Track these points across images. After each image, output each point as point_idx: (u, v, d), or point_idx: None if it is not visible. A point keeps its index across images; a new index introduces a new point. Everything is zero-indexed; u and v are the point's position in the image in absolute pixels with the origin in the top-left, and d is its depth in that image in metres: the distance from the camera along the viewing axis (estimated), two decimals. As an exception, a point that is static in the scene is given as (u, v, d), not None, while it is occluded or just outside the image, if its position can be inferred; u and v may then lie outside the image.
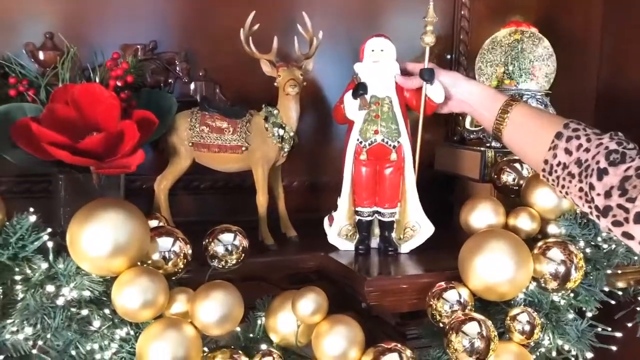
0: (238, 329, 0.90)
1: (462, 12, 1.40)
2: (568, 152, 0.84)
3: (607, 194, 0.77)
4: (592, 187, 0.80)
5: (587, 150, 0.82)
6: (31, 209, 0.83)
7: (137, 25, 1.16)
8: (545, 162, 0.88)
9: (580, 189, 0.83)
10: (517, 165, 1.10)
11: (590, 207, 0.82)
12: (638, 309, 1.23)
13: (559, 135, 0.86)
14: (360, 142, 1.02)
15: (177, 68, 1.17)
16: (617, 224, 0.77)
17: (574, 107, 1.48)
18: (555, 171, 0.87)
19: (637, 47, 1.46)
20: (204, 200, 1.23)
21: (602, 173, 0.78)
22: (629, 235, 0.76)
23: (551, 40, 1.32)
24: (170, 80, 1.17)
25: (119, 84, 1.01)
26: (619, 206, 0.76)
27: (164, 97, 1.09)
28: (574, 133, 0.85)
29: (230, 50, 1.14)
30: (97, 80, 1.03)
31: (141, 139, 0.96)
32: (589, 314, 0.96)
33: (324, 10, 1.25)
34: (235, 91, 1.23)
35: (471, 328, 0.84)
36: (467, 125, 1.32)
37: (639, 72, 1.46)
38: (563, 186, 0.86)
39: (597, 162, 0.79)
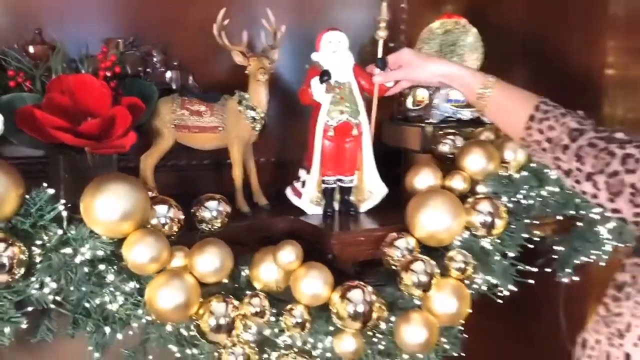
0: (226, 280, 1.07)
1: (402, 5, 1.60)
2: (540, 132, 1.03)
3: (569, 160, 0.98)
4: (558, 158, 1.00)
5: (554, 129, 1.01)
6: (44, 184, 0.97)
7: (117, 19, 1.30)
8: (523, 139, 1.07)
9: (551, 158, 1.03)
10: (451, 138, 1.31)
11: (559, 170, 1.02)
12: (554, 256, 1.48)
13: (532, 118, 1.04)
14: (328, 121, 1.20)
15: (155, 59, 1.31)
16: (576, 182, 0.97)
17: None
18: (531, 145, 1.06)
19: (556, 30, 1.68)
20: (184, 175, 1.38)
21: (565, 148, 0.99)
22: (583, 191, 0.97)
23: (480, 28, 1.53)
24: (148, 70, 1.31)
25: (108, 74, 1.14)
26: (577, 169, 0.96)
27: (145, 85, 1.23)
28: (544, 115, 1.03)
29: (202, 41, 1.30)
30: (88, 71, 1.16)
31: (132, 123, 1.11)
32: (511, 254, 1.19)
33: (282, 6, 1.41)
34: (206, 78, 1.37)
35: (418, 266, 1.04)
36: (409, 105, 1.52)
37: (557, 54, 1.70)
38: (539, 157, 1.07)
39: (562, 140, 0.99)
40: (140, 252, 0.95)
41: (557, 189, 1.27)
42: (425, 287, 1.04)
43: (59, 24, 1.24)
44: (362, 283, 1.03)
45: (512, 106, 1.09)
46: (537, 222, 1.28)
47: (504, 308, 1.29)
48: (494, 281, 1.16)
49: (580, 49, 1.70)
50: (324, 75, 1.19)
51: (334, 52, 1.22)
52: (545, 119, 1.03)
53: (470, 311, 1.15)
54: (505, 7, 1.75)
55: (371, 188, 1.27)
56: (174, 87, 1.32)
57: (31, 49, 1.19)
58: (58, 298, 0.98)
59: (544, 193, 1.27)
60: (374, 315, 1.03)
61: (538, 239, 1.35)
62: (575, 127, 0.99)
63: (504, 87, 1.11)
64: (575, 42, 1.69)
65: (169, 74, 1.33)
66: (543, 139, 1.03)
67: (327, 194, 1.26)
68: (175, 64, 1.33)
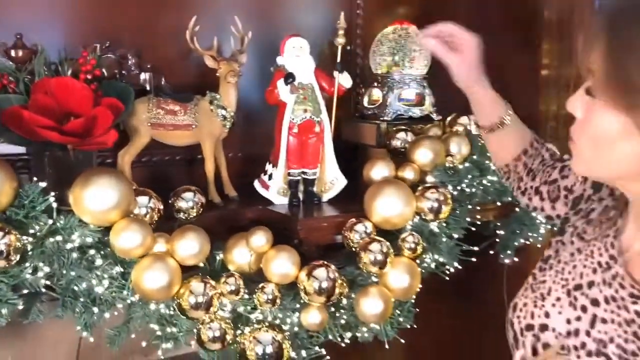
0: (202, 264, 1.19)
1: (358, 12, 1.74)
2: (525, 165, 1.14)
3: (528, 181, 1.12)
4: (521, 179, 1.13)
5: (535, 161, 1.12)
6: (34, 179, 1.07)
7: (93, 25, 1.38)
8: (507, 165, 1.16)
9: (517, 180, 1.14)
10: (403, 133, 1.46)
11: (518, 190, 1.14)
12: (497, 240, 1.65)
13: (525, 152, 1.14)
14: (292, 119, 1.32)
15: (130, 62, 1.40)
16: (529, 199, 1.11)
17: (449, 87, 1.87)
18: (510, 172, 1.16)
19: (497, 35, 1.84)
20: (158, 170, 1.48)
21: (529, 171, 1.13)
22: (534, 207, 1.10)
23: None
24: (124, 72, 1.40)
25: (88, 77, 1.24)
26: (530, 187, 1.10)
27: (122, 87, 1.32)
28: (535, 151, 1.14)
29: (173, 46, 1.41)
30: (69, 74, 1.25)
31: (112, 122, 1.21)
32: (456, 236, 1.34)
33: (249, 14, 1.52)
34: (177, 80, 1.47)
35: (374, 247, 1.18)
36: (365, 104, 1.66)
37: (499, 57, 1.87)
38: (508, 180, 1.18)
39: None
40: (126, 239, 1.06)
41: (495, 178, 1.43)
42: (381, 265, 1.18)
43: (38, 29, 1.31)
44: (326, 262, 1.17)
45: (511, 140, 1.14)
46: (479, 208, 1.44)
47: (455, 287, 1.45)
48: (442, 260, 1.31)
49: (518, 52, 1.88)
50: (289, 78, 1.32)
51: (297, 56, 1.34)
52: (533, 155, 1.14)
53: (423, 289, 1.30)
54: (451, 14, 1.90)
55: (332, 179, 1.41)
56: (148, 88, 1.42)
57: (13, 53, 1.27)
58: (48, 282, 1.08)
59: (485, 182, 1.43)
60: (337, 290, 1.16)
61: (481, 224, 1.52)
62: (546, 161, 1.12)
63: (512, 122, 1.12)
64: (514, 45, 1.87)
65: (143, 76, 1.42)
66: (525, 171, 1.14)
67: (292, 185, 1.38)
68: (148, 66, 1.43)
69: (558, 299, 0.85)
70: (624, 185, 0.81)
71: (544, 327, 0.85)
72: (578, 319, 0.82)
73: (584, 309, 0.82)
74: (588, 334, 0.79)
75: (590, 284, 0.82)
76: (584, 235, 0.91)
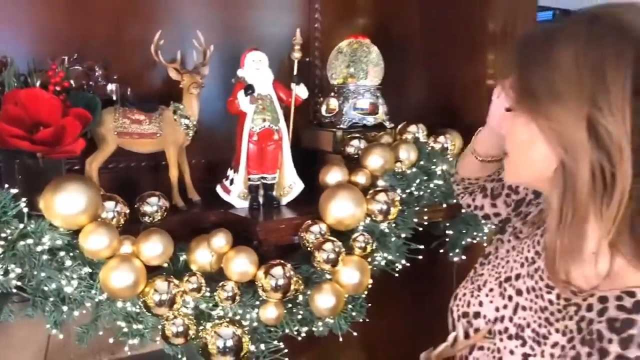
0: (166, 264, 1.27)
1: (316, 26, 1.84)
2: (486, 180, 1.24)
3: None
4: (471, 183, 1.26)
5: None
6: (6, 185, 1.13)
7: (61, 38, 1.45)
8: (477, 179, 1.25)
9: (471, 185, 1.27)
10: (356, 141, 1.56)
11: (465, 191, 1.26)
12: (447, 239, 1.77)
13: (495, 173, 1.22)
14: (252, 128, 1.41)
15: (97, 73, 1.47)
16: (472, 199, 1.24)
17: (401, 94, 1.99)
18: (470, 185, 1.27)
19: (446, 46, 1.97)
20: (124, 177, 1.55)
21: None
22: (475, 205, 1.22)
23: (383, 44, 1.79)
24: (91, 83, 1.47)
25: (57, 88, 1.30)
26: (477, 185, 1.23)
27: (89, 97, 1.39)
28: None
29: (138, 58, 1.49)
30: (38, 85, 1.31)
31: (80, 131, 1.28)
32: (404, 235, 1.45)
33: (211, 28, 1.61)
34: (142, 91, 1.55)
35: (328, 246, 1.28)
36: (323, 112, 1.76)
37: (448, 67, 1.99)
38: (459, 186, 1.29)
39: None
40: (94, 241, 1.13)
41: (441, 182, 1.55)
42: (334, 263, 1.29)
43: (7, 42, 1.38)
44: (282, 262, 1.26)
45: (494, 167, 1.22)
46: (426, 210, 1.56)
47: (409, 283, 1.56)
48: (390, 258, 1.42)
49: (466, 62, 2.01)
50: (249, 89, 1.41)
51: (257, 69, 1.44)
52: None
53: (378, 286, 1.41)
54: (403, 26, 2.03)
55: (290, 184, 1.50)
56: (114, 98, 1.49)
57: (-17, 65, 1.33)
58: (19, 283, 1.14)
59: (432, 185, 1.55)
60: (292, 287, 1.26)
61: (432, 224, 1.63)
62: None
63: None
64: (461, 56, 2.00)
65: (109, 87, 1.49)
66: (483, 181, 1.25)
67: (253, 190, 1.47)
68: (115, 77, 1.50)
69: (491, 289, 0.96)
70: (544, 188, 0.90)
71: (477, 315, 0.96)
72: (505, 307, 0.93)
73: (510, 298, 0.93)
74: (511, 319, 0.91)
75: (518, 276, 0.94)
76: (519, 234, 1.02)
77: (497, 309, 0.94)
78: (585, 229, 0.77)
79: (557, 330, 0.83)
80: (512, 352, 0.87)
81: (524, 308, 0.90)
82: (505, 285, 0.95)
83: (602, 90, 0.72)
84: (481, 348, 0.93)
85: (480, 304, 0.97)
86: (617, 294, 0.75)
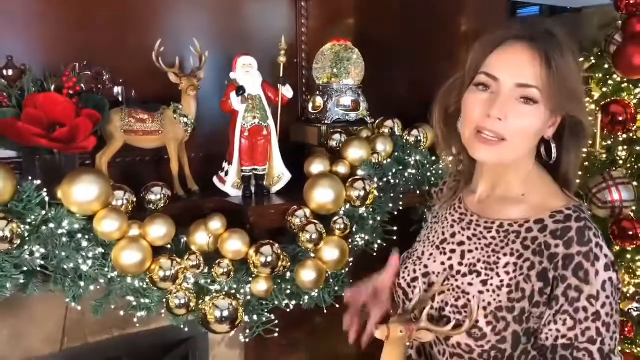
0: (169, 245, 1.44)
1: (302, 30, 2.01)
2: None
3: None
4: None
5: None
6: (30, 178, 1.31)
7: (72, 46, 1.62)
8: None
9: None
10: (338, 135, 1.74)
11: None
12: (423, 224, 1.94)
13: None
14: (244, 125, 1.59)
15: (104, 77, 1.65)
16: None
17: (383, 92, 2.16)
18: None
19: (424, 46, 2.14)
20: (130, 170, 1.73)
21: None
22: None
23: (365, 47, 1.96)
24: (99, 86, 1.64)
25: (70, 92, 1.48)
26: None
27: (98, 99, 1.56)
28: None
29: (141, 63, 1.66)
30: (53, 89, 1.49)
31: (92, 129, 1.45)
32: (379, 218, 1.63)
33: (206, 35, 1.78)
34: (145, 93, 1.72)
35: (311, 228, 1.46)
36: (310, 109, 1.93)
37: (425, 65, 2.16)
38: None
39: None
40: (106, 225, 1.31)
41: (415, 171, 1.72)
42: (316, 242, 1.46)
43: (25, 51, 1.55)
44: (271, 242, 1.44)
45: None
46: (402, 196, 1.73)
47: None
48: (367, 238, 1.60)
49: (442, 61, 2.18)
50: (240, 90, 1.58)
51: (247, 72, 1.61)
52: None
53: (360, 263, 1.58)
54: (385, 30, 2.20)
55: (279, 174, 1.68)
56: (120, 100, 1.67)
57: (5, 73, 1.50)
58: (43, 263, 1.32)
59: (406, 174, 1.72)
60: (280, 264, 1.43)
61: (411, 209, 1.81)
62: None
63: None
64: (438, 55, 2.17)
65: (116, 90, 1.67)
66: None
67: (245, 180, 1.65)
68: (121, 81, 1.68)
69: (431, 254, 1.13)
70: (513, 158, 1.04)
71: (426, 275, 1.12)
72: (449, 259, 1.09)
73: (452, 251, 1.10)
74: (460, 264, 1.07)
75: (453, 235, 1.12)
76: (434, 213, 1.22)
77: (442, 263, 1.10)
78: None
79: (504, 255, 1.02)
80: (470, 284, 1.03)
81: (470, 251, 1.07)
82: (442, 246, 1.12)
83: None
84: (442, 293, 1.07)
85: (425, 266, 1.13)
86: (549, 214, 1.00)
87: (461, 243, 1.10)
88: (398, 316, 1.06)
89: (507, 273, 1.01)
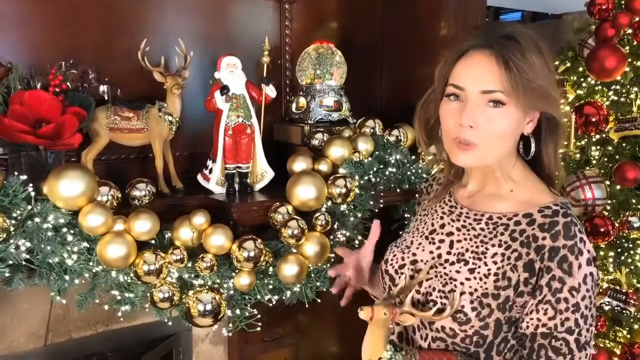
0: (153, 240, 1.47)
1: (286, 32, 2.05)
2: None
3: None
4: None
5: None
6: (15, 173, 1.33)
7: (58, 45, 1.64)
8: None
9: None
10: (320, 134, 1.78)
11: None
12: (405, 222, 1.98)
13: None
14: (228, 123, 1.62)
15: (90, 76, 1.67)
16: None
17: (366, 93, 2.21)
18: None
19: (405, 49, 2.19)
20: (115, 167, 1.75)
21: None
22: None
23: (347, 49, 2.01)
24: (85, 85, 1.67)
25: (57, 89, 1.50)
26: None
27: (84, 97, 1.59)
28: None
29: (127, 62, 1.69)
30: (39, 87, 1.51)
31: (78, 127, 1.48)
32: (359, 215, 1.67)
33: (191, 36, 1.81)
34: (130, 91, 1.75)
35: (293, 224, 1.50)
36: (293, 109, 1.97)
37: (406, 68, 2.21)
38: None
39: None
40: (92, 220, 1.34)
41: (395, 170, 1.77)
42: (298, 238, 1.50)
43: (11, 50, 1.57)
44: (254, 237, 1.47)
45: None
46: (382, 194, 1.77)
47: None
48: (348, 234, 1.64)
49: (421, 64, 2.22)
50: (224, 89, 1.62)
51: (232, 72, 1.64)
52: None
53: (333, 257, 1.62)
54: (367, 32, 2.25)
55: (262, 172, 1.71)
56: (106, 98, 1.70)
57: (-9, 70, 1.53)
58: (28, 257, 1.34)
59: (387, 173, 1.77)
60: (263, 258, 1.47)
61: (393, 208, 1.85)
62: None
63: None
64: (417, 58, 2.21)
65: (102, 88, 1.70)
66: None
67: (229, 177, 1.68)
68: (106, 80, 1.70)
69: (420, 243, 1.18)
70: (493, 161, 1.09)
71: (414, 262, 1.16)
72: (438, 248, 1.14)
73: (441, 241, 1.15)
74: (449, 253, 1.12)
75: (442, 226, 1.17)
76: (424, 206, 1.27)
77: (431, 252, 1.15)
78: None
79: (492, 245, 1.07)
80: (458, 272, 1.08)
81: (458, 241, 1.13)
82: (431, 237, 1.17)
83: (554, 80, 1.09)
84: (429, 279, 1.11)
85: (414, 254, 1.17)
86: (537, 209, 1.06)
87: (450, 234, 1.15)
88: (383, 300, 1.11)
89: (495, 262, 1.06)
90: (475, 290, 1.05)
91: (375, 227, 1.29)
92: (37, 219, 1.31)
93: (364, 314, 1.06)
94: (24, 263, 1.34)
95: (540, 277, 1.02)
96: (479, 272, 1.06)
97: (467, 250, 1.10)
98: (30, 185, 1.33)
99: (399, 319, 1.07)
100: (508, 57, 1.02)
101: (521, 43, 1.03)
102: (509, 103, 1.03)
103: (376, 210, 1.75)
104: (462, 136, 1.05)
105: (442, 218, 1.18)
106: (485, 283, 1.05)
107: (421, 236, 1.19)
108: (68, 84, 1.61)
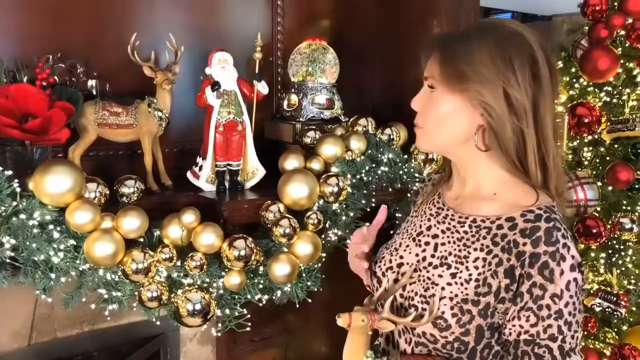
0: (142, 238, 1.44)
1: (279, 28, 2.03)
2: None
3: None
4: None
5: None
6: (0, 168, 1.30)
7: (46, 39, 1.61)
8: None
9: None
10: (312, 132, 1.76)
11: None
12: (396, 222, 1.97)
13: None
14: (218, 120, 1.60)
15: (78, 70, 1.64)
16: None
17: (358, 91, 2.19)
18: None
19: (397, 47, 2.17)
20: (103, 163, 1.72)
21: None
22: None
23: (339, 48, 1.99)
24: (73, 79, 1.63)
25: (44, 83, 1.47)
26: None
27: (72, 92, 1.56)
28: None
29: (115, 56, 1.66)
30: (25, 81, 1.48)
31: (65, 122, 1.45)
32: (351, 214, 1.65)
33: (182, 30, 1.78)
34: (119, 86, 1.71)
35: (284, 222, 1.48)
36: (285, 107, 1.95)
37: (398, 66, 2.19)
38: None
39: None
40: (79, 216, 1.31)
41: (387, 169, 1.75)
42: (289, 237, 1.48)
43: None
44: (244, 235, 1.45)
45: None
46: (374, 193, 1.75)
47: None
48: (340, 233, 1.62)
49: (413, 62, 2.21)
50: (215, 85, 1.59)
51: (223, 67, 1.62)
52: None
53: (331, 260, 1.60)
54: (360, 30, 2.23)
55: (253, 170, 1.69)
56: (94, 93, 1.66)
57: (-24, 64, 1.49)
58: (13, 254, 1.31)
59: (379, 172, 1.75)
60: (253, 257, 1.44)
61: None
62: None
63: None
64: (409, 57, 2.19)
65: (90, 83, 1.66)
66: None
67: (219, 175, 1.66)
68: (95, 74, 1.67)
69: (407, 245, 1.16)
70: (454, 152, 1.11)
71: (400, 265, 1.15)
72: (424, 250, 1.13)
73: (427, 243, 1.13)
74: (433, 256, 1.11)
75: (429, 228, 1.15)
76: (416, 207, 1.25)
77: (417, 255, 1.14)
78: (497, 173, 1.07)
79: (475, 249, 1.05)
80: (440, 276, 1.07)
81: (442, 244, 1.11)
82: (418, 238, 1.16)
83: (512, 73, 1.00)
84: (412, 283, 1.11)
85: (401, 257, 1.17)
86: (520, 213, 1.03)
87: (435, 236, 1.13)
88: (363, 306, 1.09)
89: (476, 267, 1.04)
90: (456, 295, 1.03)
91: (382, 212, 1.27)
92: (22, 216, 1.28)
93: (341, 321, 1.04)
94: (8, 260, 1.31)
95: (521, 284, 1.00)
96: (460, 277, 1.05)
97: (450, 253, 1.09)
98: (16, 181, 1.29)
99: (377, 326, 1.06)
100: (445, 44, 1.05)
101: (471, 34, 1.05)
102: (440, 87, 1.05)
103: (368, 210, 1.73)
104: (414, 121, 1.12)
105: (429, 220, 1.17)
106: (466, 289, 1.03)
107: (409, 238, 1.18)
108: (55, 77, 1.58)
